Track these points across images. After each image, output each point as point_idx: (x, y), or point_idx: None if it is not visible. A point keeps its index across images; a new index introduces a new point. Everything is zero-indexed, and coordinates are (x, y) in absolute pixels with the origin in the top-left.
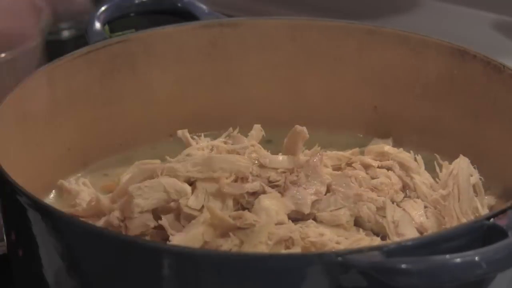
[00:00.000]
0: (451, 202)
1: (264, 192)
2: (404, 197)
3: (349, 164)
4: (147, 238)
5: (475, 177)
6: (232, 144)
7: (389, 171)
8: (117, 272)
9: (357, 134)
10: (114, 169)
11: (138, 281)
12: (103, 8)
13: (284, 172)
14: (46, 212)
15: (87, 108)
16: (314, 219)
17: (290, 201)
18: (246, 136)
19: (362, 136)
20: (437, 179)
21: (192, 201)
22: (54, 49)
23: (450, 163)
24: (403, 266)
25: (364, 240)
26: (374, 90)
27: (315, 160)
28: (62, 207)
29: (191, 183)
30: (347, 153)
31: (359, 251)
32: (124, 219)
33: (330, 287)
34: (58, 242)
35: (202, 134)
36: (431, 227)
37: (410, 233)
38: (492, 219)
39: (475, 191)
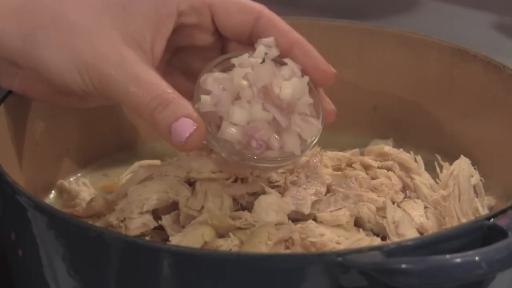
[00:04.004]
0: (452, 202)
1: (264, 193)
2: (404, 197)
3: (349, 165)
4: (147, 238)
5: (476, 178)
6: None
7: (389, 171)
8: (117, 272)
9: (357, 134)
10: (114, 169)
11: (138, 281)
12: None
13: (284, 173)
14: (46, 212)
15: (87, 108)
16: (314, 219)
17: (290, 202)
18: None
19: (362, 136)
20: (437, 180)
21: (192, 201)
22: None
23: (450, 163)
24: (403, 266)
25: (364, 240)
26: (374, 90)
27: (315, 160)
28: (62, 207)
29: (191, 183)
30: (347, 154)
31: (359, 251)
32: (124, 219)
33: (330, 287)
34: (58, 242)
35: None
36: (432, 228)
37: (410, 234)
38: (492, 219)
39: (475, 192)
